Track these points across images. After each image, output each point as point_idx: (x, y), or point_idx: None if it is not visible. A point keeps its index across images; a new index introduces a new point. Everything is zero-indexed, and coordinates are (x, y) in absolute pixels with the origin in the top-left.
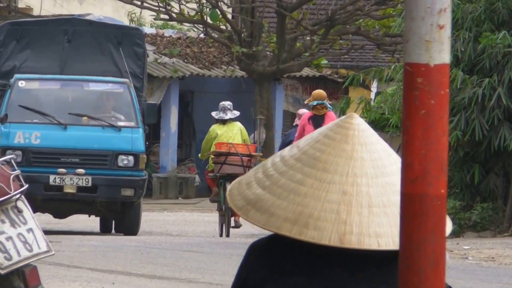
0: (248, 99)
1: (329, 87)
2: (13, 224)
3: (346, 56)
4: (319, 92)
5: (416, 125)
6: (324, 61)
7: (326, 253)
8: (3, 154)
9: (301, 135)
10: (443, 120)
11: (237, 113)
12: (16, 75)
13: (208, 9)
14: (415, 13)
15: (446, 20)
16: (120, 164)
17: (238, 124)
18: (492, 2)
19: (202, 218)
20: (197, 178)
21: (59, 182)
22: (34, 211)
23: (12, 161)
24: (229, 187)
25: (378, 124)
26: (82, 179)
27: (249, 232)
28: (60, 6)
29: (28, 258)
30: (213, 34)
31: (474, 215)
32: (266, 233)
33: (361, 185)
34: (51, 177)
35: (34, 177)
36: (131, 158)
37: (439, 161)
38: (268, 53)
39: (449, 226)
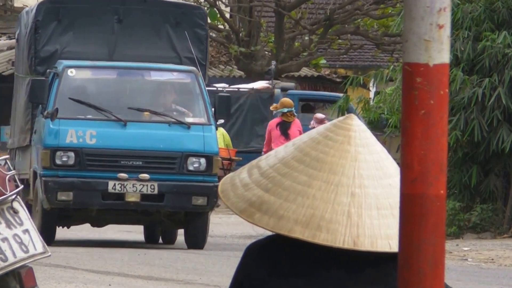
0: None
1: (328, 87)
2: (8, 225)
3: (344, 55)
4: (288, 100)
5: (415, 125)
6: (323, 61)
7: (324, 255)
8: (53, 156)
9: (269, 140)
10: (442, 120)
11: (221, 120)
12: (65, 62)
13: (206, 8)
14: (415, 13)
15: (445, 19)
16: (190, 167)
17: (221, 130)
18: (492, 2)
19: None
20: None
21: (120, 189)
22: (89, 223)
23: (8, 161)
24: (220, 187)
25: (378, 125)
26: (147, 185)
27: (247, 233)
28: None
29: (24, 259)
30: (211, 34)
31: (473, 216)
32: (263, 234)
33: (368, 187)
34: (110, 184)
35: (90, 184)
36: (203, 160)
37: (439, 161)
38: (266, 52)
39: None
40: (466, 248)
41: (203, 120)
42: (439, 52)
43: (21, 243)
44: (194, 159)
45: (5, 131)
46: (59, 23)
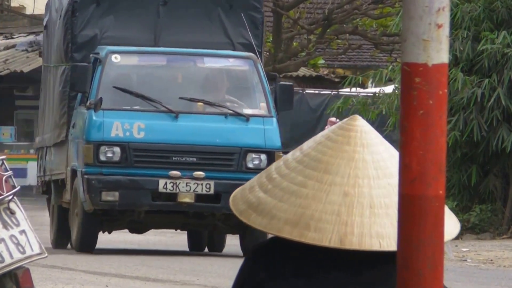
0: None
1: (326, 87)
2: (5, 225)
3: (343, 55)
4: None
5: (414, 126)
6: (321, 61)
7: (326, 256)
8: (97, 152)
9: None
10: (441, 121)
11: None
12: (109, 48)
13: None
14: (413, 12)
15: (444, 19)
16: (250, 165)
17: None
18: (491, 1)
19: None
20: None
21: (172, 188)
22: (133, 228)
23: (4, 162)
24: (233, 193)
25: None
26: (202, 184)
27: None
28: None
29: (21, 260)
30: None
31: (472, 217)
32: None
33: (363, 186)
34: (161, 182)
35: (139, 183)
36: (263, 157)
37: (438, 162)
38: (264, 52)
39: (456, 227)
40: (465, 249)
41: (263, 111)
42: (438, 52)
43: (17, 244)
44: (254, 155)
45: (1, 131)
46: (99, 6)
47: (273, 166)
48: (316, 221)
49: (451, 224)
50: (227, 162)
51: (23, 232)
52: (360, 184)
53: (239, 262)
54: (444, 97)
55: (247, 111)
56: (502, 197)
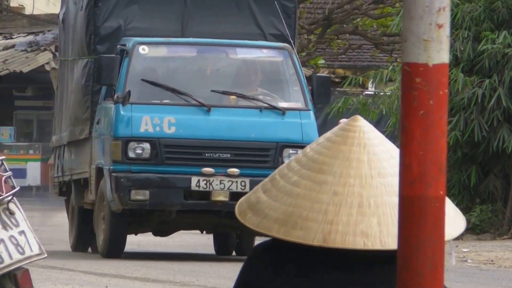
0: None
1: None
2: (4, 226)
3: (343, 55)
4: None
5: (414, 126)
6: (321, 61)
7: (327, 257)
8: (126, 148)
9: None
10: (442, 121)
11: None
12: (136, 39)
13: None
14: (414, 12)
15: (445, 19)
16: (286, 160)
17: None
18: (491, 1)
19: None
20: None
21: (205, 186)
22: (159, 230)
23: (4, 162)
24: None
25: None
26: (236, 182)
27: None
28: (53, 5)
29: (20, 261)
30: None
31: (473, 218)
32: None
33: (353, 186)
34: (194, 180)
35: (170, 181)
36: None
37: (438, 162)
38: None
39: (462, 224)
40: (465, 250)
41: (299, 104)
42: (439, 52)
43: (17, 245)
44: (290, 151)
45: (1, 131)
46: None
47: (279, 167)
48: (303, 219)
49: (458, 220)
50: (263, 158)
51: (22, 232)
52: (350, 184)
53: (238, 263)
54: (444, 98)
55: (283, 104)
56: (502, 197)
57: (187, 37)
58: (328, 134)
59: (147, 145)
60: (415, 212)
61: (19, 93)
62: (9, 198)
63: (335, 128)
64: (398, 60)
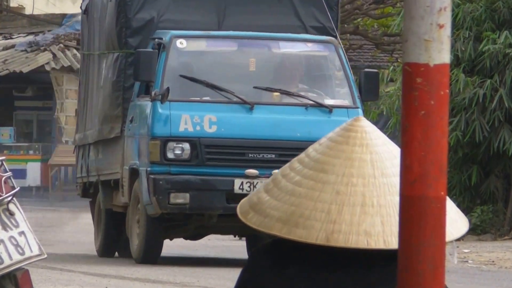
0: None
1: None
2: (4, 227)
3: None
4: None
5: (415, 126)
6: None
7: (329, 257)
8: (164, 148)
9: None
10: (443, 121)
11: None
12: (173, 32)
13: None
14: (415, 12)
15: (446, 19)
16: None
17: None
18: (492, 1)
19: None
20: None
21: (249, 189)
22: (197, 235)
23: (4, 162)
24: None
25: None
26: None
27: None
28: (53, 5)
29: (20, 262)
30: None
31: (474, 218)
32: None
33: (356, 185)
34: (237, 182)
35: (212, 183)
36: None
37: (439, 162)
38: None
39: (464, 225)
40: (466, 250)
41: (347, 102)
42: (440, 52)
43: (17, 245)
44: None
45: (1, 132)
46: None
47: (281, 168)
48: (306, 218)
49: (460, 221)
50: None
51: (22, 233)
52: (353, 183)
53: (239, 264)
54: (445, 98)
55: (329, 101)
56: (503, 198)
57: (224, 29)
58: (330, 134)
59: (186, 145)
60: (416, 213)
61: (19, 94)
62: (9, 198)
63: (338, 128)
64: (399, 60)
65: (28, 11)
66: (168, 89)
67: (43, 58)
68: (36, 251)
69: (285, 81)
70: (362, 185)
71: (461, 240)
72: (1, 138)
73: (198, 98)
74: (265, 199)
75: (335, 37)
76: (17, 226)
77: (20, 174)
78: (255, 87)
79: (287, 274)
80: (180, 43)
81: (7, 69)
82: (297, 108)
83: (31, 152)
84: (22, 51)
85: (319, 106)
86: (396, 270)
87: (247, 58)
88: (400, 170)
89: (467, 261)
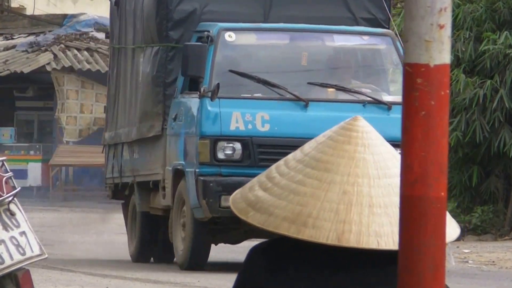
0: None
1: None
2: (5, 227)
3: None
4: None
5: (415, 127)
6: None
7: (327, 257)
8: (214, 148)
9: None
10: (443, 122)
11: None
12: (220, 24)
13: None
14: (415, 13)
15: (446, 19)
16: None
17: None
18: (493, 2)
19: None
20: None
21: None
22: (242, 239)
23: (5, 163)
24: (233, 193)
25: None
26: None
27: None
28: (54, 6)
29: (21, 262)
30: None
31: (474, 218)
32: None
33: (362, 185)
34: None
35: None
36: None
37: (439, 163)
38: None
39: (455, 231)
40: (466, 250)
41: None
42: (440, 52)
43: (18, 245)
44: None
45: (1, 132)
46: None
47: (273, 166)
48: (314, 218)
49: (451, 227)
50: None
51: (23, 233)
52: (359, 183)
53: (239, 264)
54: (446, 98)
55: (388, 98)
56: (504, 198)
57: (271, 21)
58: (329, 133)
59: (238, 145)
60: (416, 213)
61: (20, 94)
62: (10, 198)
63: (336, 127)
64: None
65: (29, 12)
66: (218, 85)
67: (44, 58)
68: (37, 251)
69: (339, 76)
70: (368, 185)
71: (461, 240)
72: (2, 139)
73: (249, 95)
74: (265, 198)
75: (388, 29)
76: (18, 226)
77: (21, 174)
78: (309, 83)
79: (285, 275)
80: (229, 36)
81: (8, 70)
82: (354, 105)
83: (32, 152)
84: (23, 51)
85: (378, 102)
86: (396, 270)
87: (299, 51)
88: (401, 170)
89: (467, 261)
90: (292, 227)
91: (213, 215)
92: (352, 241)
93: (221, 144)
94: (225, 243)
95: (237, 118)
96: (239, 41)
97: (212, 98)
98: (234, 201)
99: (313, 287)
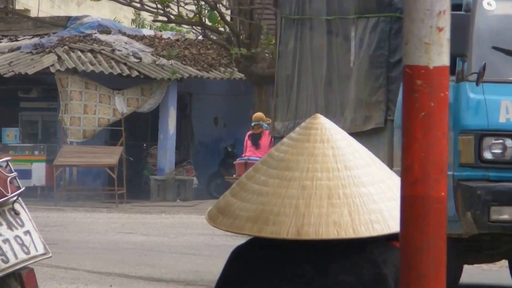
0: (247, 101)
1: None
2: (10, 226)
3: None
4: (257, 114)
5: (416, 127)
6: None
7: (296, 253)
8: (480, 145)
9: (245, 149)
10: (443, 122)
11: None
12: None
13: (206, 11)
14: (415, 15)
15: (445, 22)
16: None
17: None
18: None
19: (200, 221)
20: (195, 180)
21: None
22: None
23: (9, 163)
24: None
25: None
26: None
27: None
28: (58, 8)
29: (25, 261)
30: (211, 36)
31: None
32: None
33: (321, 179)
34: None
35: None
36: None
37: (439, 163)
38: (267, 55)
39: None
40: None
41: None
42: (439, 54)
43: (22, 245)
44: None
45: (6, 133)
46: None
47: (245, 172)
48: (275, 215)
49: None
50: None
51: (27, 232)
52: (318, 177)
53: None
54: (445, 99)
55: None
56: None
57: None
58: (291, 134)
59: (510, 142)
60: (417, 213)
61: (24, 95)
62: (14, 198)
63: (297, 128)
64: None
65: (33, 14)
66: (484, 65)
67: (48, 60)
68: (41, 250)
69: None
70: (327, 178)
71: None
72: (6, 139)
73: None
74: (232, 202)
75: None
76: (22, 226)
77: (25, 174)
78: None
79: (263, 273)
80: (488, 4)
81: (12, 71)
82: None
83: (36, 152)
84: (27, 53)
85: None
86: (359, 259)
87: None
88: (401, 171)
89: None
90: (255, 226)
91: (480, 231)
92: (311, 233)
93: (489, 140)
94: (480, 263)
95: (507, 108)
96: (500, 10)
97: (477, 83)
98: (209, 210)
99: (288, 282)
